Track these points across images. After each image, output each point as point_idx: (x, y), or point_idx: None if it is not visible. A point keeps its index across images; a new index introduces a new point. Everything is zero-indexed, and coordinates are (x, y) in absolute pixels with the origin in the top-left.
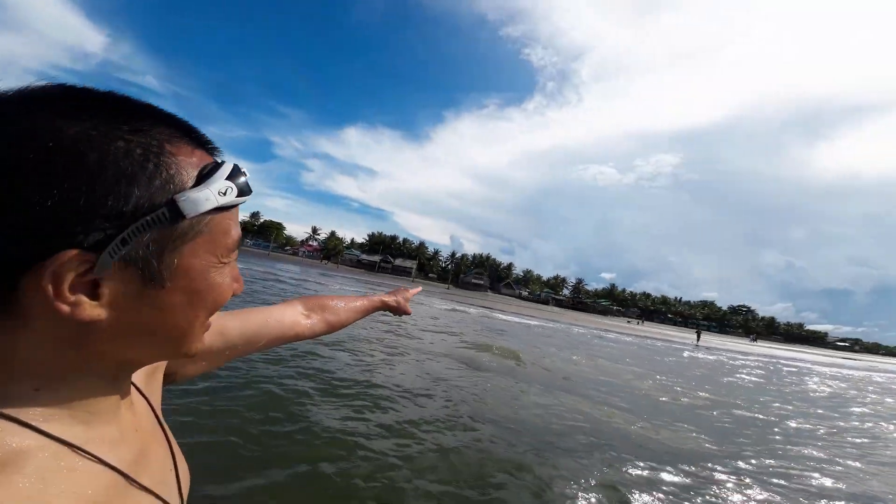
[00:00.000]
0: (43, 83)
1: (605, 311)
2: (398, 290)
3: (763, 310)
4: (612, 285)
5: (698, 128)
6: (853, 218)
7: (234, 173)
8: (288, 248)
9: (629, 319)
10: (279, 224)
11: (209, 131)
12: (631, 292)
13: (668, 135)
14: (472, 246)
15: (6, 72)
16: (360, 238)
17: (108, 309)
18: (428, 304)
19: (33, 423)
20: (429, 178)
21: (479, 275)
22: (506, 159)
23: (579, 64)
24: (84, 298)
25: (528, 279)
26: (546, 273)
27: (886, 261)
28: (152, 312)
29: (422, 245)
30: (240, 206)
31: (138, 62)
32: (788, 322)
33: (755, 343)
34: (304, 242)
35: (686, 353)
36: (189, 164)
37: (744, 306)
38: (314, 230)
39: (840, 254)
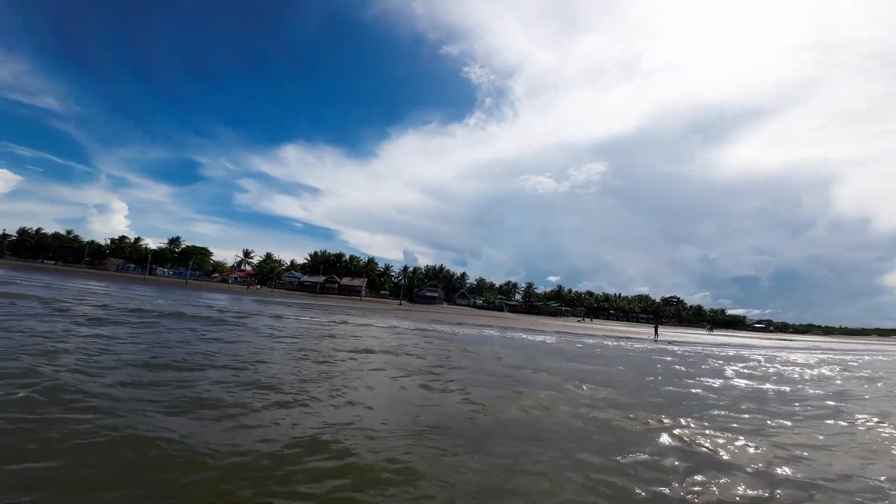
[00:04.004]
0: None
1: (555, 313)
2: None
3: (688, 299)
4: (559, 287)
5: (619, 137)
6: (750, 211)
7: None
8: (216, 275)
9: (579, 319)
10: (203, 249)
11: (120, 154)
12: (576, 292)
13: (594, 145)
14: (425, 259)
15: None
16: (302, 259)
17: None
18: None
19: None
20: (377, 194)
21: (434, 287)
22: (452, 172)
23: (513, 81)
24: None
25: (481, 287)
26: (498, 280)
27: (780, 248)
28: None
29: (371, 261)
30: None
31: (33, 82)
32: (712, 308)
33: (713, 333)
34: (234, 268)
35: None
36: None
37: (674, 297)
38: (246, 253)
39: (744, 245)
